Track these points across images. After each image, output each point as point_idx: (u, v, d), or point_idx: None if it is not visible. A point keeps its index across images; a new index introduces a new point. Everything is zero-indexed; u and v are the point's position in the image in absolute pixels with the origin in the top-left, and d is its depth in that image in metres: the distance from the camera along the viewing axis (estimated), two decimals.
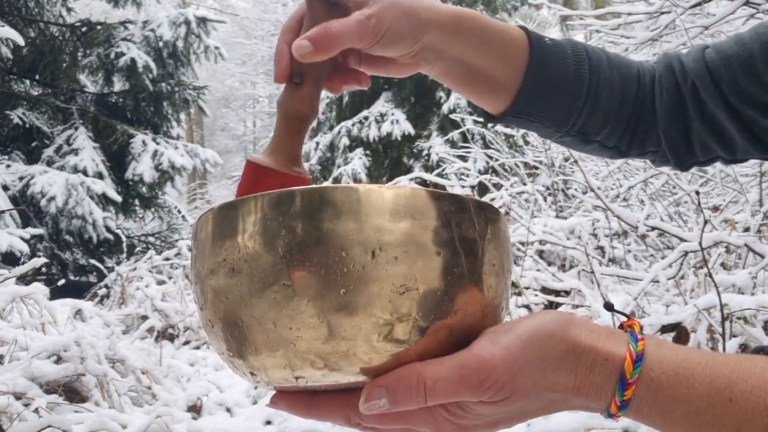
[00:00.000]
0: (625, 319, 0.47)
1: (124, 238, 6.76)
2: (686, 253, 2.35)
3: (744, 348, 1.91)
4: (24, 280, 4.04)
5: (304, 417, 0.46)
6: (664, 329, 2.05)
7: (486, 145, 7.79)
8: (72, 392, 2.28)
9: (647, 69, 0.69)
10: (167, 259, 5.05)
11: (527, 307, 2.83)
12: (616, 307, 0.54)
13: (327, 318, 0.41)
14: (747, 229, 2.63)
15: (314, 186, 0.42)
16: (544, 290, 3.02)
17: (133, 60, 6.86)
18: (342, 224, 0.41)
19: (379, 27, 0.53)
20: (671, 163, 0.70)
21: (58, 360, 2.32)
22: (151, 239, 7.62)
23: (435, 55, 0.58)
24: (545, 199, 4.71)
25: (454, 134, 7.75)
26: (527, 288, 2.98)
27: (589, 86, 0.64)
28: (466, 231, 0.43)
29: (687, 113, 0.67)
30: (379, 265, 0.40)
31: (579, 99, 0.64)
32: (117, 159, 6.90)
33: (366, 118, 9.97)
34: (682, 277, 2.61)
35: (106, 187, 6.25)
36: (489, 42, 0.60)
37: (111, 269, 5.99)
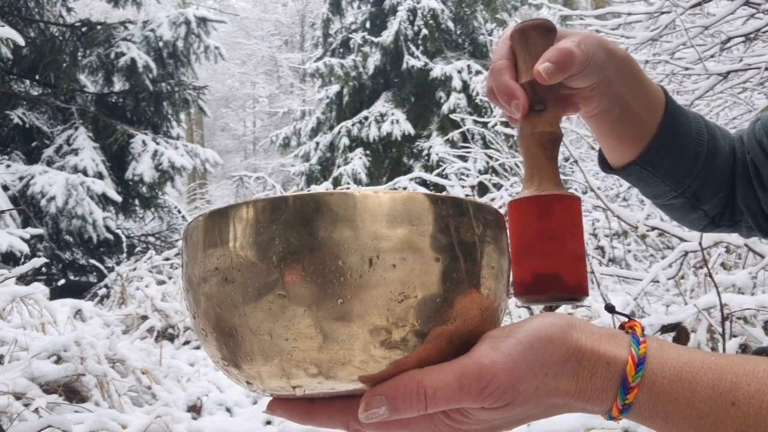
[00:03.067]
0: (625, 319, 0.47)
1: (124, 238, 6.76)
2: (686, 253, 2.34)
3: (744, 348, 1.91)
4: (24, 280, 4.05)
5: (301, 423, 0.46)
6: (664, 329, 2.05)
7: (486, 145, 7.79)
8: (72, 392, 2.28)
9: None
10: (167, 259, 5.06)
11: (527, 307, 2.82)
12: (616, 308, 0.53)
13: (324, 328, 0.40)
14: None
15: (308, 192, 0.41)
16: None
17: (133, 60, 6.86)
18: (338, 231, 0.40)
19: (587, 53, 0.56)
20: (755, 231, 0.74)
21: (58, 360, 2.32)
22: (151, 239, 7.62)
23: (606, 87, 0.61)
24: None
25: (454, 134, 7.74)
26: None
27: (708, 150, 0.69)
28: (465, 235, 0.43)
29: (752, 181, 0.72)
30: (376, 274, 0.39)
31: (698, 161, 0.69)
32: (117, 159, 6.90)
33: (366, 118, 9.97)
34: (682, 277, 2.61)
35: (106, 187, 6.25)
36: (642, 84, 0.64)
37: (111, 269, 5.99)
